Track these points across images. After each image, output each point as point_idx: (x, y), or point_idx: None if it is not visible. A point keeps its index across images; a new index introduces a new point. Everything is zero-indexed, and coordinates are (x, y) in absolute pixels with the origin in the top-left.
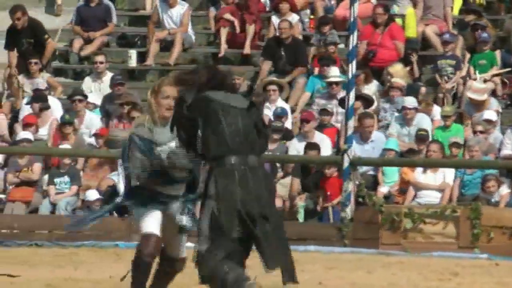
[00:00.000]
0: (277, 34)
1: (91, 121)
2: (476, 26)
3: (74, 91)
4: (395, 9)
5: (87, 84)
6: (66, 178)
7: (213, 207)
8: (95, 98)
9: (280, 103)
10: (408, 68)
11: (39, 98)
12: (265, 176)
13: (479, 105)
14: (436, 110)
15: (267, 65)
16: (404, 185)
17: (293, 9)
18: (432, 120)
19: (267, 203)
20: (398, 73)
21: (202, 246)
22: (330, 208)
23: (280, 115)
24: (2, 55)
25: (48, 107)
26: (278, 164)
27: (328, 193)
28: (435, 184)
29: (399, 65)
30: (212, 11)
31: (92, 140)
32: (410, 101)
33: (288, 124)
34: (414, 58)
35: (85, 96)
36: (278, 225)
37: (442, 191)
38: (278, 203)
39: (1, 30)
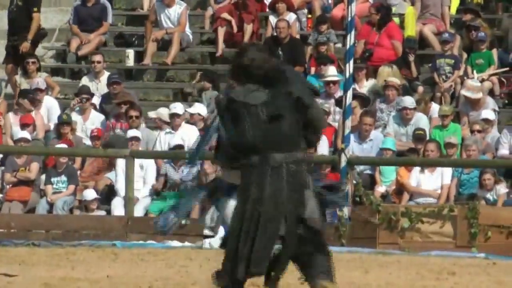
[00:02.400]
0: (275, 33)
1: (97, 119)
2: (470, 27)
3: (80, 90)
4: (393, 8)
5: (85, 83)
6: (63, 178)
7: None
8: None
9: None
10: (396, 69)
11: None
12: (292, 174)
13: (475, 104)
14: (434, 108)
15: None
16: (401, 186)
17: (291, 8)
18: (430, 118)
19: (285, 199)
20: (395, 74)
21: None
22: None
23: None
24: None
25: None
26: None
27: None
28: (428, 188)
29: (388, 68)
30: (210, 11)
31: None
32: (409, 101)
33: None
34: (411, 58)
35: (92, 95)
36: (291, 223)
37: (440, 190)
38: None
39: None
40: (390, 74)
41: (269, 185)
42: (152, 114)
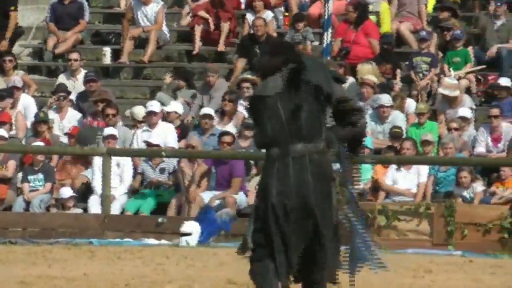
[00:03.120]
0: (252, 31)
1: (74, 117)
2: (443, 28)
3: (58, 87)
4: (370, 6)
5: (61, 81)
6: (40, 176)
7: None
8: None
9: None
10: (386, 67)
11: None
12: (316, 164)
13: (451, 102)
14: (410, 104)
15: (241, 63)
16: (376, 184)
17: (268, 6)
18: (406, 113)
19: (311, 192)
20: (368, 72)
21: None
22: None
23: None
24: None
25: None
26: (251, 162)
27: None
28: (405, 186)
29: (368, 65)
30: (187, 9)
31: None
32: (386, 99)
33: None
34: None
35: (68, 93)
36: (322, 216)
37: (417, 188)
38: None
39: None
40: (370, 72)
41: (292, 177)
42: (127, 113)
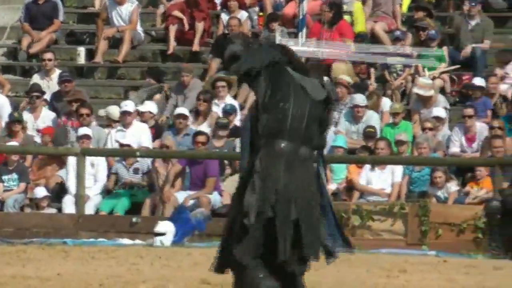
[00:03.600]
0: (226, 31)
1: (48, 117)
2: (418, 28)
3: (32, 87)
4: (344, 6)
5: (36, 81)
6: (14, 175)
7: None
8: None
9: (229, 100)
10: (361, 67)
11: None
12: (314, 171)
13: (426, 101)
14: (385, 103)
15: (216, 62)
16: (350, 184)
17: (242, 6)
18: (381, 112)
19: (312, 194)
20: (339, 71)
21: (251, 221)
22: None
23: (229, 112)
24: None
25: None
26: (226, 161)
27: None
28: (380, 186)
29: (343, 64)
30: (161, 9)
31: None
32: (361, 99)
33: (236, 121)
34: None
35: (43, 93)
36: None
37: (391, 187)
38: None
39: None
40: (344, 71)
41: (299, 174)
42: (101, 113)
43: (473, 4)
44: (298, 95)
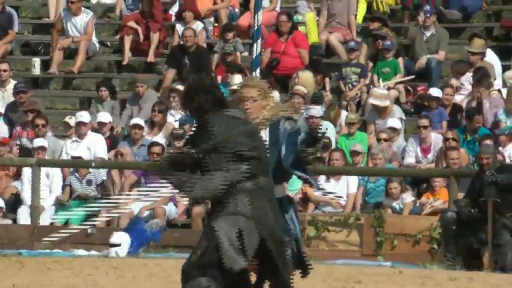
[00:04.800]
0: (181, 42)
1: (3, 128)
2: (376, 37)
3: None
4: (298, 17)
5: None
6: None
7: (243, 225)
8: None
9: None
10: (316, 77)
11: None
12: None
13: (381, 112)
14: (343, 115)
15: (171, 73)
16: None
17: (197, 17)
18: (340, 125)
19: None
20: (307, 81)
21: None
22: None
23: (184, 122)
24: None
25: None
26: None
27: None
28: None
29: (309, 73)
30: (116, 19)
31: None
32: (317, 110)
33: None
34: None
35: None
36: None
37: (346, 198)
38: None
39: None
40: (309, 79)
41: (272, 214)
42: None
43: (428, 15)
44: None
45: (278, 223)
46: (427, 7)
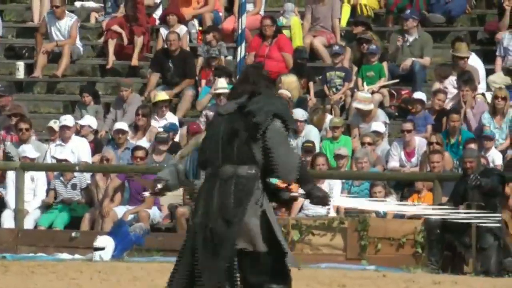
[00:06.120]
0: (166, 46)
1: None
2: (361, 40)
3: None
4: (283, 21)
5: None
6: None
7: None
8: None
9: (170, 117)
10: (300, 81)
11: None
12: (240, 188)
13: (366, 116)
14: (328, 120)
15: (155, 77)
16: None
17: (181, 21)
18: (326, 130)
19: (231, 214)
20: (291, 85)
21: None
22: None
23: (169, 130)
24: None
25: None
26: None
27: None
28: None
29: (293, 77)
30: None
31: None
32: (300, 114)
33: (176, 137)
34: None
35: None
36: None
37: None
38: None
39: None
40: (293, 82)
41: (216, 198)
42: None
43: (410, 19)
44: (212, 123)
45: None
46: (409, 11)
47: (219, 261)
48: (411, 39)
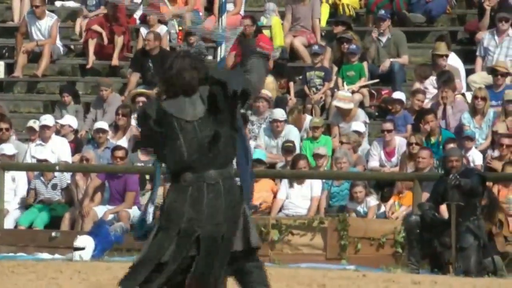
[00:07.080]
0: (145, 45)
1: None
2: (342, 39)
3: None
4: (263, 20)
5: None
6: None
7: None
8: None
9: None
10: (281, 81)
11: None
12: (228, 190)
13: (346, 115)
14: (309, 120)
15: (135, 77)
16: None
17: (162, 20)
18: (306, 130)
19: (224, 220)
20: (268, 86)
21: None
22: None
23: None
24: None
25: None
26: (147, 177)
27: None
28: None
29: (270, 78)
30: (81, 23)
31: None
32: (280, 114)
33: None
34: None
35: None
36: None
37: (310, 202)
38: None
39: None
40: (270, 83)
41: (206, 204)
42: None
43: (382, 22)
44: (185, 128)
45: None
46: (382, 12)
47: (222, 266)
48: (384, 39)
